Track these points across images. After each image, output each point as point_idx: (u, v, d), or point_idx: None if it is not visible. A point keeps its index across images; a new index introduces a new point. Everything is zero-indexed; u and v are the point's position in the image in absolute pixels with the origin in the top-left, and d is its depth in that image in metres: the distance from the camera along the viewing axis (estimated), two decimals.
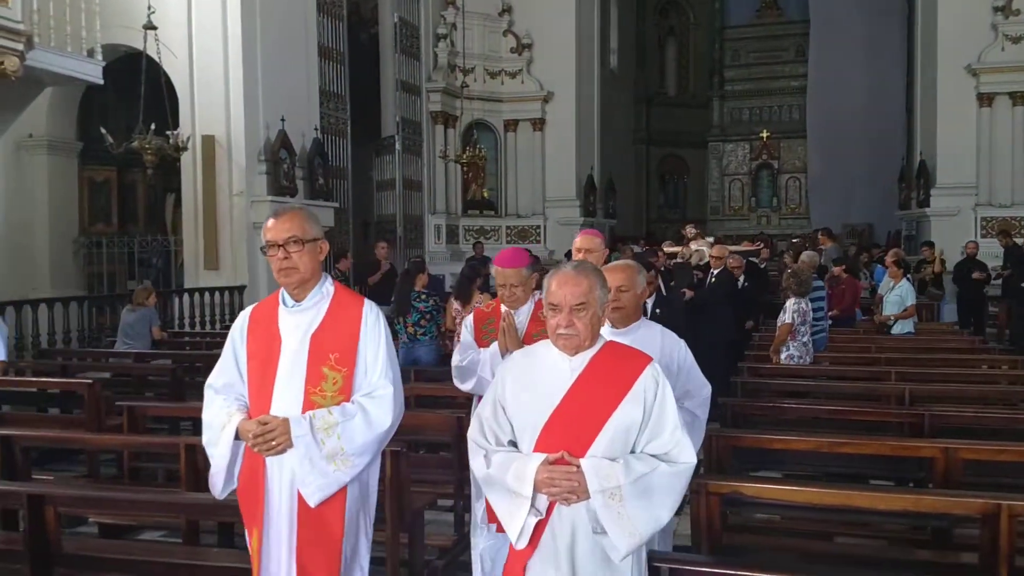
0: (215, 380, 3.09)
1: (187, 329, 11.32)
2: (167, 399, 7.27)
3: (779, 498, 3.54)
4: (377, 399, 2.96)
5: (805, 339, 7.28)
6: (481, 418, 2.76)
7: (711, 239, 12.56)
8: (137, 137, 10.29)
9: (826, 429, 5.10)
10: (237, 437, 2.91)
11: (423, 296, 8.20)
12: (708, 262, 10.45)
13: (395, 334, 8.26)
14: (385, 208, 17.42)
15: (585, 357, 2.67)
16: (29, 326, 9.78)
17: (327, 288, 3.08)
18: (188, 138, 11.13)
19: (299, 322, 3.02)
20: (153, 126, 10.34)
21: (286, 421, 2.84)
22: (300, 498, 2.89)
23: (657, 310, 5.85)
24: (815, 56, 25.97)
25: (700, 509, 3.52)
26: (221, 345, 3.20)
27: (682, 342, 3.51)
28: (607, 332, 3.27)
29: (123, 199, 14.80)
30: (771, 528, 4.24)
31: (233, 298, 11.82)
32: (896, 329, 9.46)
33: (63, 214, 13.58)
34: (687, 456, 2.65)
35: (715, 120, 30.00)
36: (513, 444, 2.70)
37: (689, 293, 9.40)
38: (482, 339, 4.09)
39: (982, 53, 16.54)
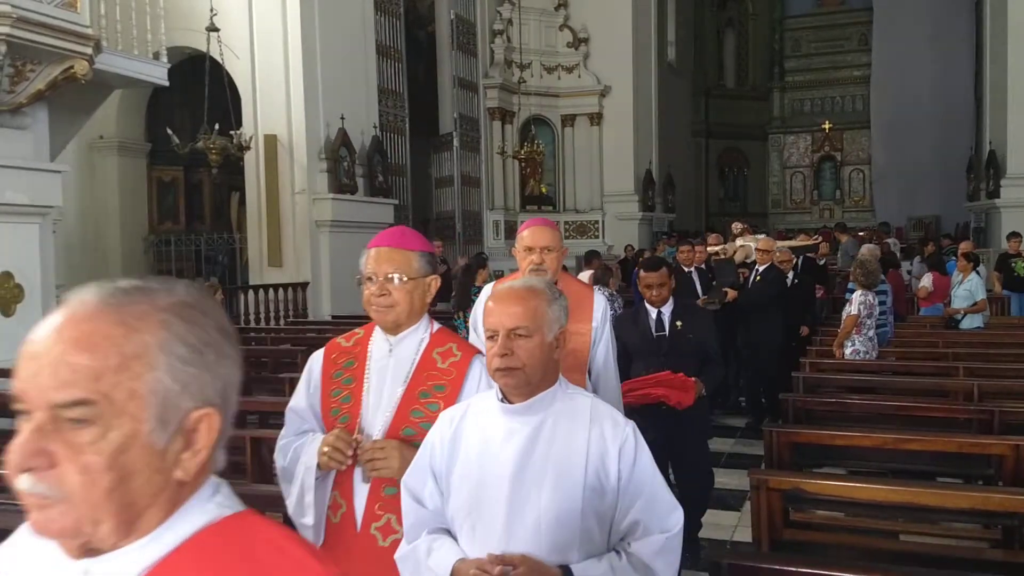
0: None
1: (252, 325, 11.54)
2: None
3: (842, 495, 3.50)
4: None
5: (871, 333, 7.13)
6: None
7: (761, 235, 11.44)
8: (202, 137, 10.52)
9: (891, 425, 5.01)
10: None
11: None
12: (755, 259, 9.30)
13: (455, 328, 8.33)
14: (444, 204, 17.53)
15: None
16: None
17: None
18: (251, 137, 11.35)
19: None
20: (217, 126, 10.56)
21: None
22: None
23: (678, 323, 4.68)
24: (879, 45, 25.45)
25: (760, 505, 3.49)
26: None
27: (630, 428, 2.04)
28: (497, 411, 2.03)
29: (190, 198, 15.15)
30: (834, 525, 4.18)
31: (296, 294, 12.02)
32: (965, 323, 9.23)
33: (133, 213, 13.98)
34: None
35: (775, 112, 29.57)
36: None
37: (732, 293, 8.44)
38: (331, 396, 2.42)
39: None
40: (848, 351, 7.08)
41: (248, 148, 11.26)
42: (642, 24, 20.34)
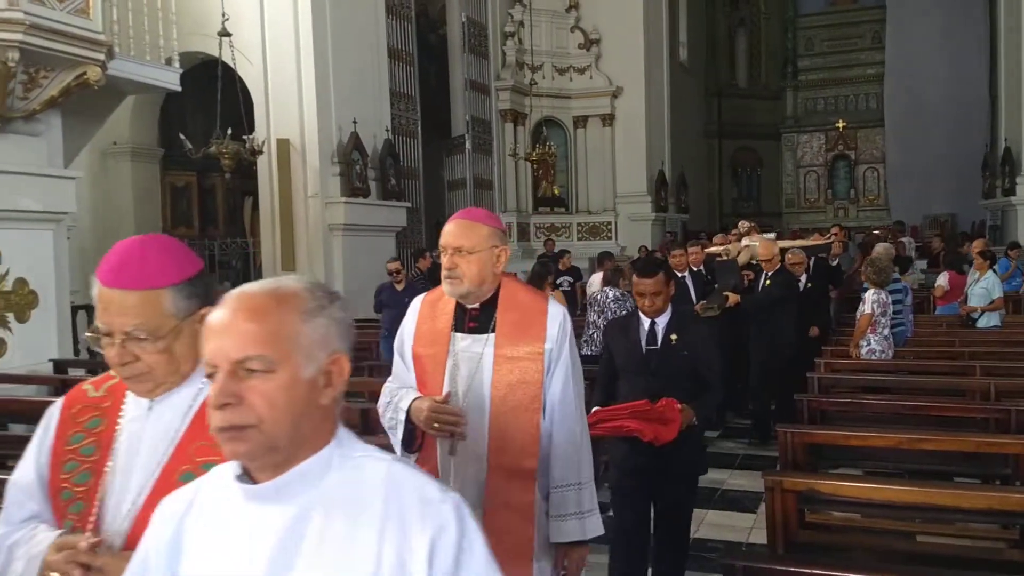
0: None
1: None
2: None
3: (857, 496, 3.47)
4: None
5: (886, 332, 7.09)
6: None
7: (772, 235, 10.73)
8: (215, 142, 10.54)
9: (907, 425, 4.98)
10: None
11: None
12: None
13: None
14: (456, 207, 17.49)
15: None
16: None
17: None
18: (263, 142, 11.36)
19: None
20: (230, 131, 10.58)
21: None
22: None
23: (672, 337, 3.91)
24: (892, 42, 25.33)
25: (775, 507, 3.47)
26: None
27: (448, 507, 1.27)
28: (237, 496, 1.29)
29: (203, 203, 15.22)
30: (850, 527, 4.14)
31: None
32: (982, 322, 9.15)
33: (147, 218, 14.04)
34: None
35: (788, 111, 29.46)
36: None
37: (734, 298, 7.88)
38: (63, 469, 1.67)
39: None
40: (864, 350, 7.05)
41: (261, 153, 11.28)
42: (653, 24, 20.31)
